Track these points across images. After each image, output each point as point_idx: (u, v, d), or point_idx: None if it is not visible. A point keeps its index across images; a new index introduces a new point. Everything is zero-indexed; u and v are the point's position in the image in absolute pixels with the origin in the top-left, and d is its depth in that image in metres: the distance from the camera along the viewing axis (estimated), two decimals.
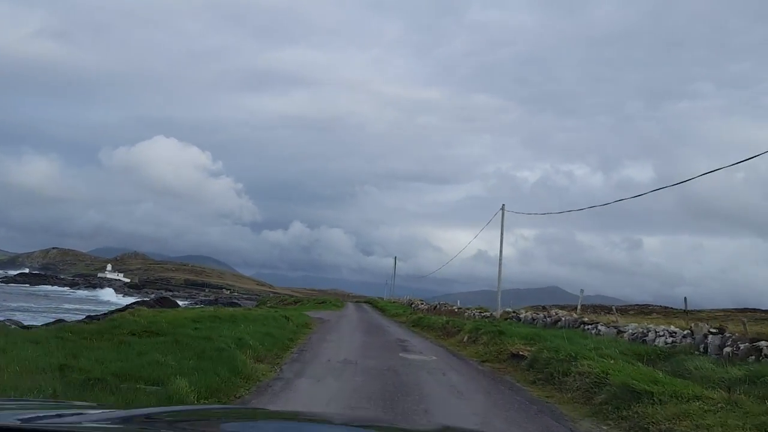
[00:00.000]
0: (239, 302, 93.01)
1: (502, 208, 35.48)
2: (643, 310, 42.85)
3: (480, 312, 35.14)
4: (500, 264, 35.31)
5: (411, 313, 44.81)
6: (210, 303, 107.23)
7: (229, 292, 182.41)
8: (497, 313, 32.09)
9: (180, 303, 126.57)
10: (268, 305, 69.88)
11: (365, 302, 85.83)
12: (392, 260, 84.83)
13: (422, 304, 56.99)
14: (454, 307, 41.89)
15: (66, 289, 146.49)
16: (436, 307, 46.73)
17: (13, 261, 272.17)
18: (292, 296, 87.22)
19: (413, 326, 34.13)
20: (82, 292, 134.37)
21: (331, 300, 68.78)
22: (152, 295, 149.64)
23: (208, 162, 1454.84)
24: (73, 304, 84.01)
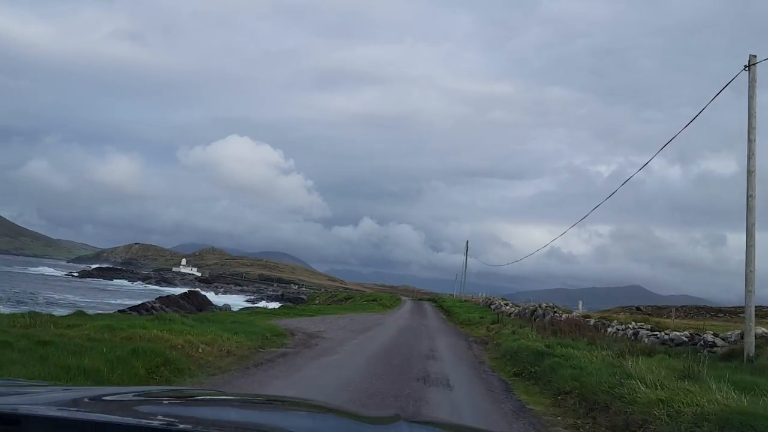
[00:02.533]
0: (304, 297, 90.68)
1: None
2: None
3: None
4: None
5: (494, 322, 26.27)
6: (277, 298, 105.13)
7: (297, 287, 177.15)
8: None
9: (236, 297, 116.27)
10: (317, 302, 57.46)
11: (428, 300, 67.88)
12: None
13: (507, 305, 38.30)
14: (576, 314, 22.66)
15: (138, 283, 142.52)
16: (534, 312, 27.55)
17: (98, 256, 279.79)
18: (344, 292, 70.14)
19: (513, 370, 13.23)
20: (152, 287, 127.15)
21: (385, 298, 51.05)
22: (209, 287, 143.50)
23: (281, 160, 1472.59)
24: (128, 298, 77.32)
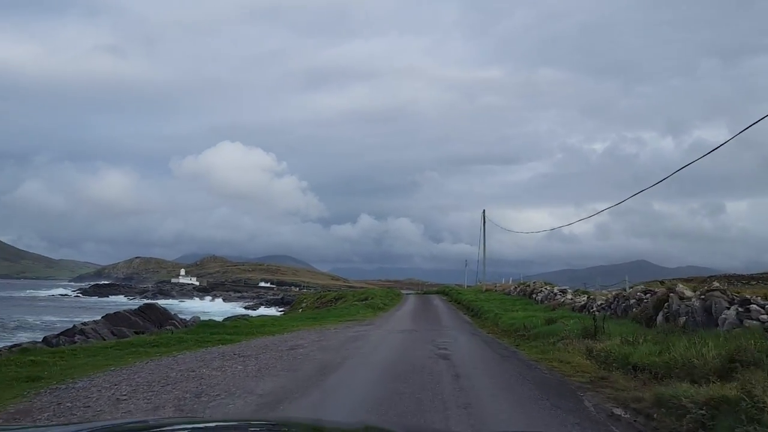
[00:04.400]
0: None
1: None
2: None
3: None
4: None
5: (591, 332, 12.62)
6: (276, 302, 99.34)
7: (297, 289, 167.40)
8: None
9: (232, 305, 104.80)
10: (303, 305, 47.91)
11: (437, 293, 54.22)
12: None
13: (565, 292, 24.53)
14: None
15: (136, 298, 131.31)
16: (615, 301, 13.74)
17: (100, 273, 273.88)
18: (335, 291, 56.69)
19: None
20: (146, 302, 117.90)
21: (380, 295, 37.20)
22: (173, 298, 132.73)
23: (273, 163, 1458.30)
24: (95, 315, 67.62)
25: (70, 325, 43.24)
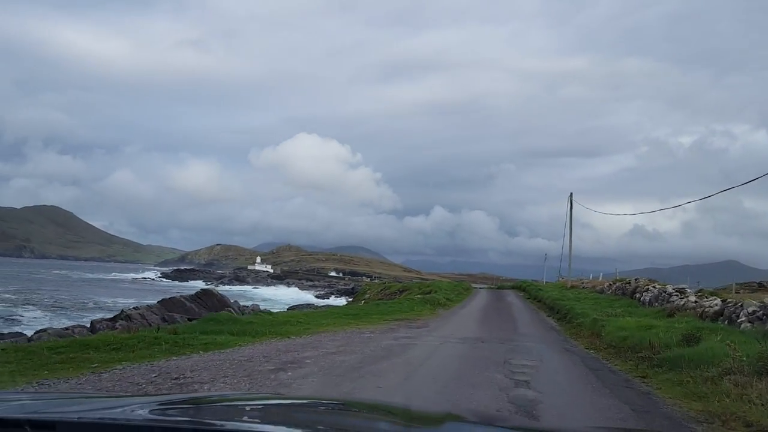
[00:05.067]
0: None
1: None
2: None
3: None
4: None
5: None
6: (347, 292, 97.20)
7: (369, 279, 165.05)
8: None
9: (303, 294, 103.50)
10: (366, 297, 45.45)
11: (512, 288, 48.35)
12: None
13: (682, 292, 18.48)
14: None
15: (213, 283, 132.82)
16: None
17: (183, 258, 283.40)
18: (400, 282, 51.89)
19: None
20: (222, 288, 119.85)
21: (446, 289, 31.77)
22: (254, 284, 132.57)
23: (348, 154, 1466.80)
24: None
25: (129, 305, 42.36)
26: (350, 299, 76.55)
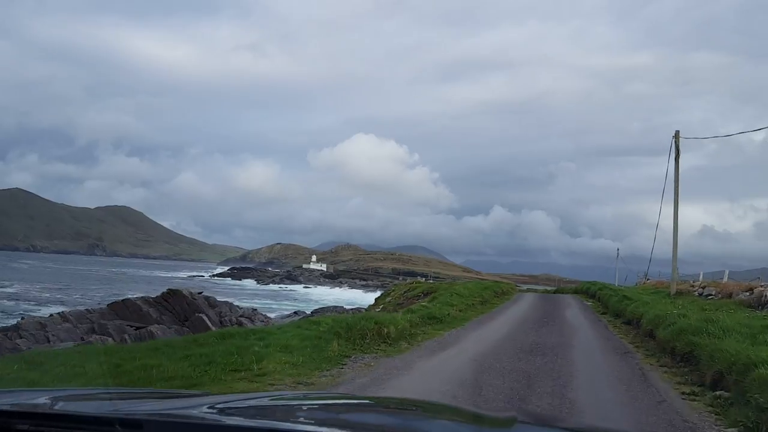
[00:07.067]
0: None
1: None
2: None
3: None
4: None
5: None
6: None
7: (424, 279, 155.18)
8: None
9: (353, 293, 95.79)
10: (389, 300, 37.25)
11: (574, 292, 37.07)
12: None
13: None
14: None
15: (265, 282, 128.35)
16: None
17: (244, 257, 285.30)
18: (429, 282, 41.52)
19: None
20: (272, 287, 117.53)
21: (473, 292, 21.23)
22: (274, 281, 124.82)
23: (405, 155, 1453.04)
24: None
25: None
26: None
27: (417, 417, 2.25)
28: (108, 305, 30.76)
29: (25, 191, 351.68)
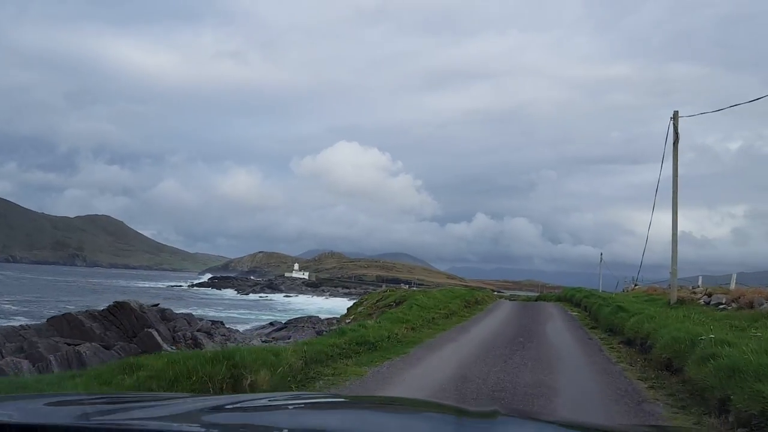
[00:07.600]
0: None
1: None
2: None
3: None
4: None
5: None
6: None
7: (407, 286, 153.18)
8: None
9: (335, 301, 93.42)
10: (360, 309, 36.29)
11: (557, 299, 35.42)
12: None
13: None
14: None
15: (246, 292, 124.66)
16: None
17: (226, 266, 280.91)
18: (401, 290, 38.92)
19: None
20: (252, 296, 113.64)
21: (437, 302, 18.60)
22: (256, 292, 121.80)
23: (389, 162, 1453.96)
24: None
25: None
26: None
27: (401, 412, 2.33)
28: (47, 320, 27.65)
29: (5, 200, 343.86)
